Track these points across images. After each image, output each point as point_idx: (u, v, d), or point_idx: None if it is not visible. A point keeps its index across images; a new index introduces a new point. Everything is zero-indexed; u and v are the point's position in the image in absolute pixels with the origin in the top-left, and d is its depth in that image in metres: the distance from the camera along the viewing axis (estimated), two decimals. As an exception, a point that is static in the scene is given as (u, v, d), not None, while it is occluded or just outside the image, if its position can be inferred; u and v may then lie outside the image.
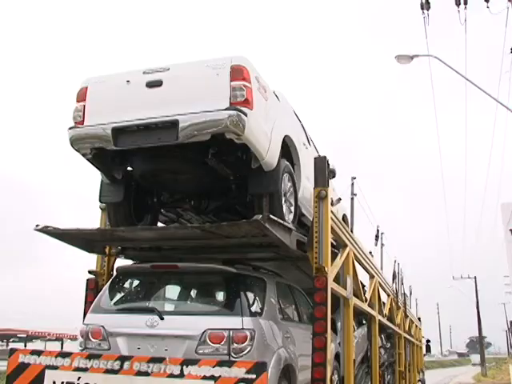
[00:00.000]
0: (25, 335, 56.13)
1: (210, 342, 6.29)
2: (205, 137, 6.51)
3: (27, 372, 6.42)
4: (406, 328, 18.04)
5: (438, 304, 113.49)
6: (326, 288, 7.08)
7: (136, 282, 7.68)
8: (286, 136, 7.55)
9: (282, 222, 6.86)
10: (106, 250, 8.45)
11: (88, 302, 7.88)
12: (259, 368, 5.65)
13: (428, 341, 28.14)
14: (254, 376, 5.58)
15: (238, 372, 5.64)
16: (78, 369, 6.25)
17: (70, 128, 7.13)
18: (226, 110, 6.45)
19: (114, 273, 7.94)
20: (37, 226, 7.29)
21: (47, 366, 6.36)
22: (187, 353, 6.29)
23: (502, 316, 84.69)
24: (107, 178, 7.53)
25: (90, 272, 8.45)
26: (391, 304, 14.87)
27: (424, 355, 26.71)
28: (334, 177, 9.69)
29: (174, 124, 6.55)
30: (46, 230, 7.29)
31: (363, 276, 11.01)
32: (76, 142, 7.07)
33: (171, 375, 5.86)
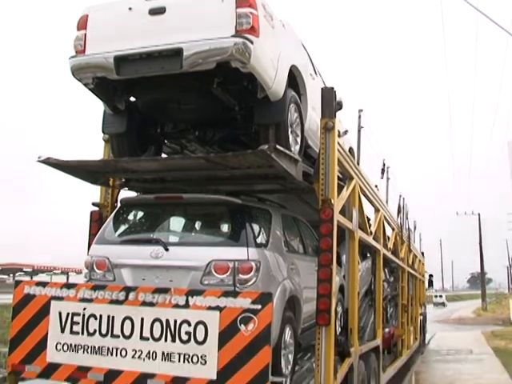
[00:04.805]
0: (30, 269, 57.05)
1: (215, 273, 6.28)
2: (210, 65, 6.34)
3: (33, 303, 6.48)
4: (410, 262, 18.11)
5: (440, 240, 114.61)
6: (332, 220, 7.02)
7: (140, 214, 7.63)
8: (292, 65, 7.35)
9: (288, 152, 6.73)
10: (110, 182, 8.40)
11: (92, 234, 7.88)
12: (264, 299, 5.65)
13: (431, 275, 28.36)
14: (259, 306, 5.59)
15: (243, 302, 5.66)
16: (83, 300, 6.31)
17: (71, 57, 6.95)
18: (231, 37, 6.25)
19: (118, 204, 7.90)
20: (39, 157, 7.19)
21: (53, 297, 6.41)
22: (192, 284, 6.28)
23: (504, 252, 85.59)
24: (110, 108, 7.39)
25: (93, 204, 8.42)
26: (396, 238, 14.86)
27: (426, 289, 26.97)
28: (340, 109, 9.51)
29: (177, 52, 6.36)
30: (49, 162, 7.20)
31: (368, 210, 10.96)
32: (77, 72, 6.91)
33: (176, 305, 5.88)
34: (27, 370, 6.42)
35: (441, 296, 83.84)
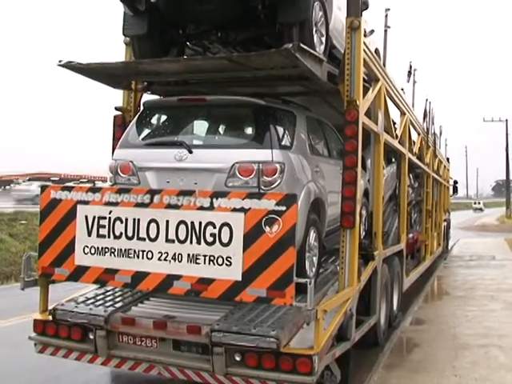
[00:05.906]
0: (58, 178, 57.83)
1: (239, 175, 6.23)
2: None
3: (59, 207, 6.48)
4: (435, 168, 18.01)
5: (466, 147, 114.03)
6: (357, 121, 6.91)
7: (163, 117, 7.54)
8: None
9: (312, 51, 6.51)
10: (132, 86, 8.29)
11: (116, 139, 7.82)
12: (289, 200, 5.60)
13: (455, 182, 28.23)
14: (283, 208, 5.55)
15: (268, 204, 5.61)
16: (108, 203, 6.29)
17: None
18: None
19: (141, 108, 7.81)
20: (60, 61, 7.07)
21: (79, 201, 6.41)
22: (216, 186, 6.26)
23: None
24: (130, 9, 7.13)
25: (116, 108, 8.33)
26: (421, 143, 14.72)
27: (451, 196, 26.89)
28: (366, 9, 9.19)
29: None
30: (69, 65, 7.06)
31: (394, 113, 10.78)
32: None
33: (201, 208, 5.86)
34: (57, 272, 6.50)
35: (479, 203, 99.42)
